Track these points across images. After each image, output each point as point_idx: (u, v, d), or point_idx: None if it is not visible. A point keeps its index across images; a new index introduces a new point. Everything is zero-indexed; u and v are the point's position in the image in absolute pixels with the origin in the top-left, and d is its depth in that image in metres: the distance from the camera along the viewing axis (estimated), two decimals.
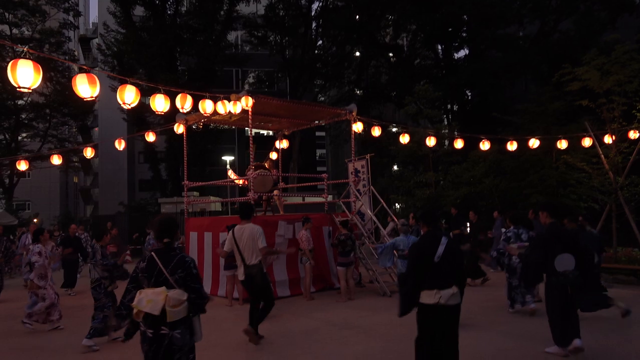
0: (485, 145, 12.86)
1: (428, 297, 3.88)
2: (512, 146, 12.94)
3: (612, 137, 11.66)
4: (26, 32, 25.87)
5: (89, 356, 5.94)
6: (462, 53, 24.80)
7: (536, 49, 20.08)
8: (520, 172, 15.30)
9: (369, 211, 11.10)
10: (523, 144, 13.10)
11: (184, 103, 8.11)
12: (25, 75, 5.10)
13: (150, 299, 3.24)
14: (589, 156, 13.19)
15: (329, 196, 12.04)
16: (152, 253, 3.44)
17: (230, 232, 6.04)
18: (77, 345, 6.16)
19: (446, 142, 16.98)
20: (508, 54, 20.20)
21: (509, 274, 7.32)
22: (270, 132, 14.61)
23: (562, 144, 12.76)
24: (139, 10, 24.78)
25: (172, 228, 3.52)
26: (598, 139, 11.80)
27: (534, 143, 12.86)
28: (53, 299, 7.18)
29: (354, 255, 8.98)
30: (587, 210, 12.87)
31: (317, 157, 40.45)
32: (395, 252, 8.23)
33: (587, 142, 12.23)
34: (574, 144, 12.88)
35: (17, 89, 5.21)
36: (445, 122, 22.53)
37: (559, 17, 20.82)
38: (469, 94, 24.09)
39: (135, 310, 3.30)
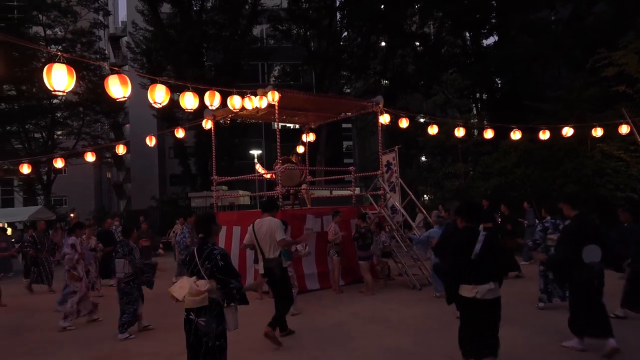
0: (516, 135, 12.54)
1: (466, 291, 4.04)
2: (544, 135, 12.58)
3: None
4: (59, 33, 26.63)
5: (124, 345, 6.15)
6: (491, 40, 24.22)
7: (569, 33, 19.36)
8: (553, 161, 14.86)
9: (397, 203, 11.03)
10: (556, 133, 12.71)
11: (213, 100, 8.19)
12: (60, 79, 5.27)
13: (181, 286, 3.61)
14: (627, 144, 12.74)
15: (357, 189, 12.01)
16: (195, 248, 3.80)
17: (251, 225, 6.01)
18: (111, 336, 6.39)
19: (475, 132, 16.65)
20: (539, 39, 19.57)
21: (546, 267, 7.13)
22: (297, 126, 14.64)
23: (598, 132, 12.31)
24: (166, 8, 25.19)
25: (205, 224, 3.86)
26: (637, 126, 11.35)
27: (567, 131, 12.47)
28: (84, 292, 7.36)
29: (373, 248, 8.93)
30: (625, 200, 12.43)
31: (343, 149, 40.33)
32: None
33: (624, 129, 11.75)
34: (611, 131, 12.42)
35: (53, 92, 5.38)
36: (475, 112, 22.07)
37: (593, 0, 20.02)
38: (499, 81, 23.51)
39: (171, 294, 3.66)
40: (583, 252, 4.86)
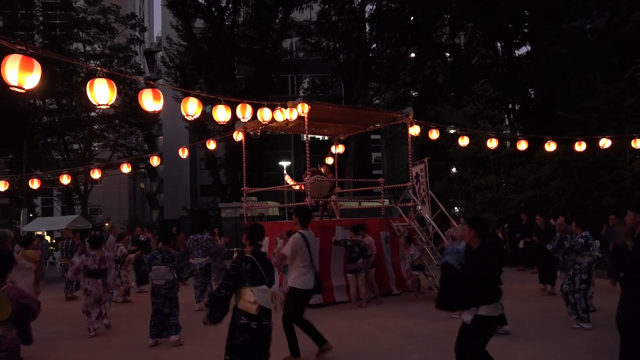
0: (550, 146, 12.23)
1: None
2: (580, 146, 12.23)
3: None
4: (97, 49, 27.75)
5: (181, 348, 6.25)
6: (524, 50, 23.76)
7: (605, 42, 18.82)
8: (589, 173, 14.39)
9: (427, 216, 10.88)
10: (592, 144, 12.34)
11: (244, 113, 8.35)
12: (102, 93, 5.51)
13: (263, 296, 3.92)
14: None
15: (386, 200, 11.92)
16: (252, 257, 4.05)
17: (300, 236, 5.59)
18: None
19: (508, 144, 16.31)
20: (574, 49, 19.10)
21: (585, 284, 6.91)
22: (326, 137, 14.71)
23: (637, 143, 11.89)
24: (199, 23, 25.92)
25: (262, 234, 4.38)
26: None
27: (604, 143, 12.09)
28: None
29: (362, 262, 8.81)
30: None
31: (372, 161, 40.23)
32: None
33: None
34: None
35: (97, 107, 5.61)
36: (507, 123, 21.66)
37: (632, 7, 19.43)
38: (532, 92, 23.00)
39: (256, 306, 3.86)
40: None
